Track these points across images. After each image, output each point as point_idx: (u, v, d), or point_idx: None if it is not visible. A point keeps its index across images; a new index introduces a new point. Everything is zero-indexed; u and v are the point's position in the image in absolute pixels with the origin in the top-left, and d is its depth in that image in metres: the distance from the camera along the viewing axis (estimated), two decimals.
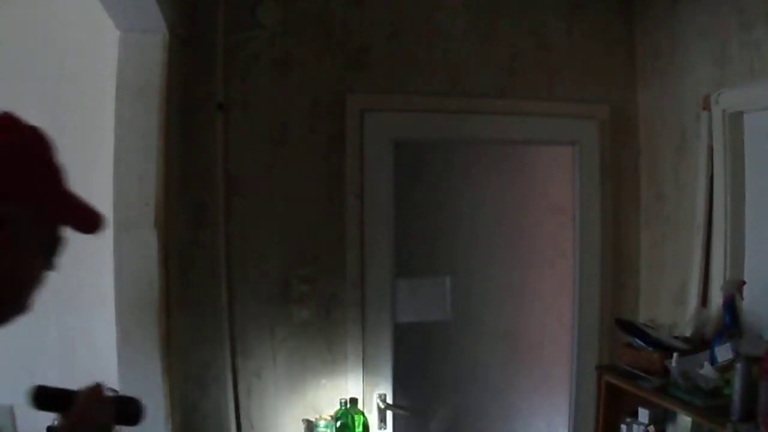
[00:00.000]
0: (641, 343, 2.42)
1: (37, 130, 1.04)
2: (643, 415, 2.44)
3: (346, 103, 2.81)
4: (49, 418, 2.68)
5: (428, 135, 2.94)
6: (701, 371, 2.13)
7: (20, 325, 2.90)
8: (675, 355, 2.25)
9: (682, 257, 2.76)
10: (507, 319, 3.04)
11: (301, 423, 2.72)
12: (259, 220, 2.75)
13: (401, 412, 2.86)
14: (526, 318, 3.06)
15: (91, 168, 2.65)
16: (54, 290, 2.85)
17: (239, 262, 2.73)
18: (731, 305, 2.30)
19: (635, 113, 3.09)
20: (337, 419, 2.65)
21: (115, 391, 2.56)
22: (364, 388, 2.81)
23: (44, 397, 1.25)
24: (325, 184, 2.80)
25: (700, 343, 2.38)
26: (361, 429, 2.66)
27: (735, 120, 2.52)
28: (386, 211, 2.84)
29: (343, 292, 2.79)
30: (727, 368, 2.09)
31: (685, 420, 2.31)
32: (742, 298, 2.33)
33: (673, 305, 2.82)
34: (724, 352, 2.15)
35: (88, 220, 1.06)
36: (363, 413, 2.70)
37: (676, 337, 2.49)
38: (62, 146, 2.96)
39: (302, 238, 2.78)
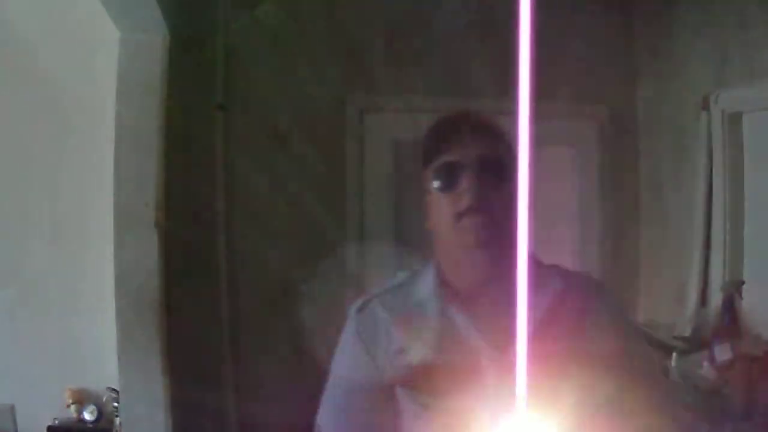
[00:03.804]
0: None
1: None
2: None
3: (346, 103, 2.81)
4: (50, 417, 2.70)
5: None
6: (701, 371, 2.13)
7: (20, 325, 2.91)
8: (674, 354, 2.25)
9: (681, 257, 2.76)
10: None
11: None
12: (259, 220, 2.75)
13: None
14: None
15: (91, 168, 2.66)
16: (54, 290, 2.89)
17: (239, 262, 2.73)
18: (730, 305, 2.30)
19: (635, 113, 3.08)
20: None
21: (115, 390, 2.58)
22: None
23: None
24: (325, 184, 2.81)
25: (699, 343, 2.38)
26: None
27: (734, 120, 2.52)
28: (386, 211, 2.84)
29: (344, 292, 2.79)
30: (726, 368, 2.09)
31: None
32: (742, 298, 2.33)
33: (673, 305, 2.82)
34: (723, 352, 2.15)
35: None
36: None
37: (676, 337, 2.49)
38: (62, 146, 2.97)
39: (302, 238, 2.78)
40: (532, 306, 1.04)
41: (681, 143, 2.81)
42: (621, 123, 3.07)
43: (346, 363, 1.13)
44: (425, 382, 1.03)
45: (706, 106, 2.60)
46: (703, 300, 2.60)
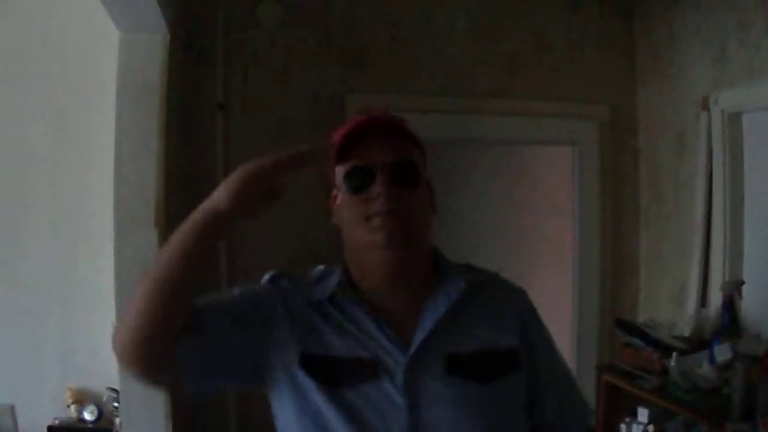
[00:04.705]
0: (641, 343, 2.42)
1: None
2: (643, 414, 2.44)
3: (346, 103, 2.81)
4: (50, 417, 2.70)
5: (428, 135, 2.92)
6: (700, 371, 2.14)
7: (20, 325, 2.91)
8: (674, 354, 2.25)
9: (681, 257, 2.76)
10: None
11: None
12: (258, 221, 2.74)
13: None
14: None
15: (91, 168, 2.66)
16: (54, 290, 2.89)
17: (239, 261, 2.73)
18: (730, 305, 2.30)
19: (635, 113, 3.09)
20: None
21: (115, 390, 2.57)
22: None
23: None
24: (325, 184, 2.80)
25: (699, 343, 2.38)
26: None
27: (734, 120, 2.52)
28: None
29: None
30: (726, 368, 2.09)
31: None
32: (741, 298, 2.33)
33: (673, 305, 2.82)
34: (723, 352, 2.15)
35: None
36: None
37: (676, 337, 2.49)
38: (62, 146, 2.97)
39: (302, 237, 2.78)
40: (433, 306, 1.09)
41: (681, 143, 2.81)
42: (621, 123, 3.07)
43: (254, 286, 1.15)
44: (324, 373, 1.05)
45: (705, 106, 2.60)
46: (703, 300, 2.60)
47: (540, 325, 1.21)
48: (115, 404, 2.51)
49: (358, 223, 1.10)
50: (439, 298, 1.10)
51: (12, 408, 2.59)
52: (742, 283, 2.36)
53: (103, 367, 2.53)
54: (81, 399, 2.62)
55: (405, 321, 1.09)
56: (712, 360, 2.18)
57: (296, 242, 2.78)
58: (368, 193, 1.09)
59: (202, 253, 1.02)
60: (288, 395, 1.07)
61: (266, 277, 1.18)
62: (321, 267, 1.23)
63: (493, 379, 1.07)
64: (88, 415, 2.58)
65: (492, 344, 1.10)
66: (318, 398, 1.04)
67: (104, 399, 2.59)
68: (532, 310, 1.21)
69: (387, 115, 1.16)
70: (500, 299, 1.18)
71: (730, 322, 2.28)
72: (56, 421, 2.57)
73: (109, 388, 2.54)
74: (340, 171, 1.16)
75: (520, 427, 1.11)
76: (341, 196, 1.16)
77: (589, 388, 2.84)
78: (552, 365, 1.20)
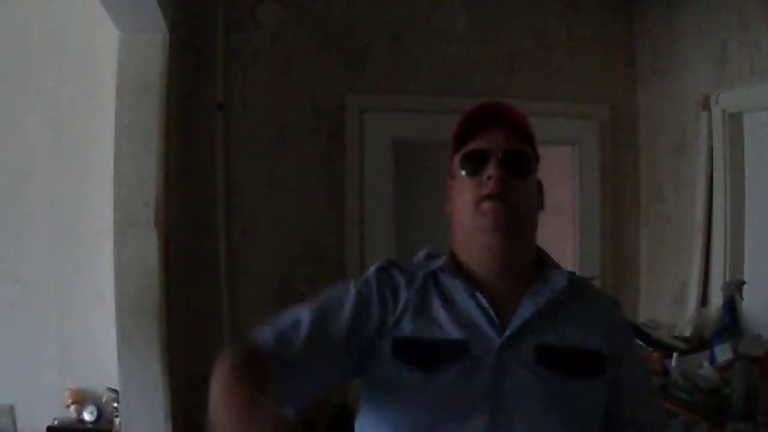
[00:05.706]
0: (641, 343, 2.42)
1: None
2: None
3: (346, 103, 2.81)
4: (50, 417, 2.70)
5: (428, 135, 2.93)
6: (701, 371, 2.13)
7: (20, 325, 2.91)
8: (675, 355, 2.25)
9: (681, 257, 2.76)
10: None
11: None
12: (259, 220, 2.75)
13: None
14: None
15: (91, 168, 2.66)
16: (54, 290, 2.88)
17: (239, 262, 2.73)
18: (731, 305, 2.30)
19: (635, 113, 3.08)
20: None
21: (115, 391, 2.56)
22: None
23: None
24: (324, 184, 2.81)
25: (699, 343, 2.38)
26: None
27: (735, 120, 2.52)
28: (386, 211, 2.84)
29: None
30: (726, 368, 2.09)
31: None
32: (742, 298, 2.33)
33: (673, 305, 2.82)
34: (723, 352, 2.14)
35: None
36: None
37: (676, 337, 2.48)
38: (62, 146, 2.97)
39: (302, 238, 2.78)
40: (534, 295, 1.11)
41: (681, 143, 2.81)
42: (621, 123, 3.07)
43: (345, 289, 1.16)
44: (421, 353, 1.08)
45: (706, 105, 2.60)
46: (704, 300, 2.60)
47: (631, 344, 1.23)
48: (115, 404, 2.51)
49: (469, 206, 1.14)
50: (541, 289, 1.13)
51: (12, 408, 2.59)
52: (743, 283, 2.36)
53: (102, 367, 2.53)
54: (80, 399, 2.61)
55: (504, 305, 1.11)
56: (712, 360, 2.17)
57: (297, 242, 2.78)
58: (481, 175, 1.13)
59: None
60: (374, 377, 1.09)
61: (372, 269, 1.20)
62: (425, 251, 1.26)
63: (578, 377, 1.09)
64: (87, 416, 2.58)
65: (581, 344, 1.11)
66: (405, 378, 1.06)
67: (104, 399, 2.59)
68: (624, 325, 1.23)
69: (508, 107, 1.21)
70: (596, 305, 1.20)
71: (731, 323, 2.27)
72: (56, 422, 2.57)
73: (108, 388, 2.54)
74: (456, 158, 1.21)
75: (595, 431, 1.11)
76: (457, 181, 1.19)
77: None
78: (637, 387, 1.17)
